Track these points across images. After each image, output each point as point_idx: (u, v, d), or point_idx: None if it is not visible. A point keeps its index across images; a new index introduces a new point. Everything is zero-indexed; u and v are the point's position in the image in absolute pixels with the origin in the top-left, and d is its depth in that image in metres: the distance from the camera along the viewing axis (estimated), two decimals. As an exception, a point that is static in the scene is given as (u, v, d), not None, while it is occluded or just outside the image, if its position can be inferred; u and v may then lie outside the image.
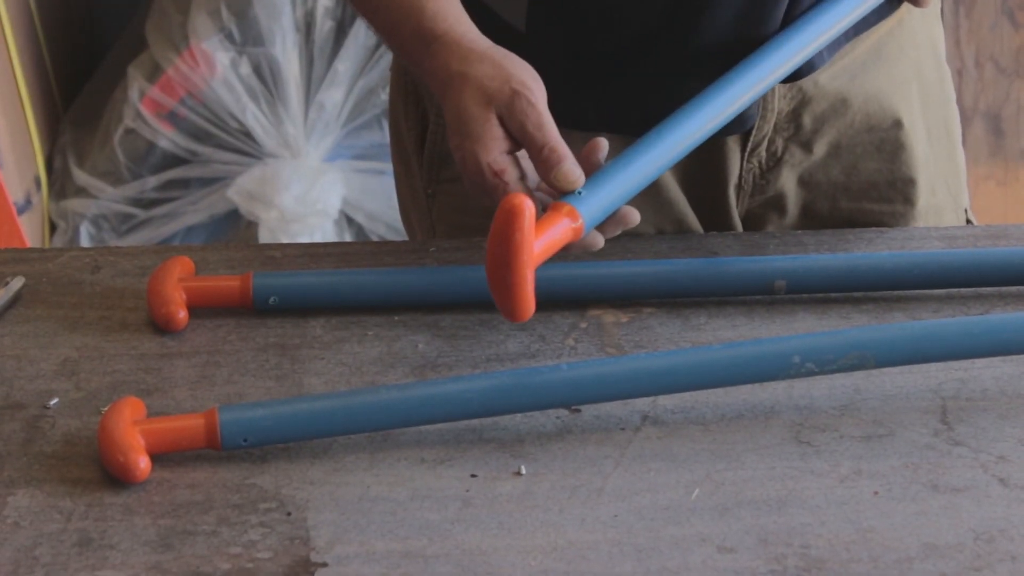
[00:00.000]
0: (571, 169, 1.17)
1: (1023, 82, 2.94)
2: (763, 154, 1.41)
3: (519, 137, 1.18)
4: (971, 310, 1.29)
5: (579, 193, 1.16)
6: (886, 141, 1.43)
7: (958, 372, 1.21)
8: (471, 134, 1.18)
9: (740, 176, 1.42)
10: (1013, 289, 1.32)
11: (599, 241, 1.21)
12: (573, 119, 1.33)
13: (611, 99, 1.36)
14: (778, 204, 1.44)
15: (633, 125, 1.35)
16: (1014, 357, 1.21)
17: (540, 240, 1.12)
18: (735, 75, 1.28)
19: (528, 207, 1.08)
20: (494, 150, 1.18)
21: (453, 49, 1.20)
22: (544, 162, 1.17)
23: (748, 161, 1.41)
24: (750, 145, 1.40)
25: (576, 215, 1.15)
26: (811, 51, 1.33)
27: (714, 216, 1.43)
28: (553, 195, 1.20)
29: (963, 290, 1.31)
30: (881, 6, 1.39)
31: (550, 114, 1.18)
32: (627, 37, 1.34)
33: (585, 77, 1.33)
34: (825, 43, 1.34)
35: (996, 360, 1.21)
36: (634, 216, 1.21)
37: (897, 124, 1.43)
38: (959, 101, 1.54)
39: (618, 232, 1.22)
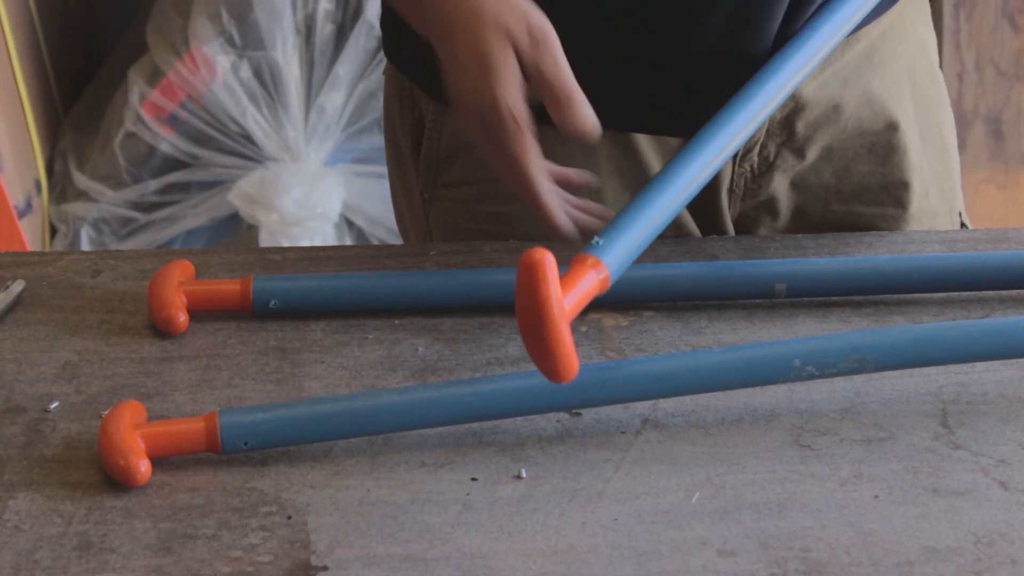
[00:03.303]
0: (584, 114, 1.12)
1: (1023, 85, 2.94)
2: (755, 159, 1.41)
3: (536, 78, 1.13)
4: (972, 314, 1.29)
5: (597, 243, 1.13)
6: (877, 144, 1.43)
7: (958, 376, 1.21)
8: (492, 73, 1.12)
9: (732, 180, 1.42)
10: (1014, 293, 1.32)
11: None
12: None
13: (596, 94, 1.35)
14: (770, 207, 1.44)
15: (621, 119, 1.34)
16: (1015, 361, 1.21)
17: (570, 295, 1.08)
18: (741, 100, 1.25)
19: (550, 260, 1.03)
20: (514, 92, 1.12)
21: None
22: (560, 108, 1.13)
23: (740, 166, 1.41)
24: (741, 150, 1.40)
25: (601, 265, 1.12)
26: (816, 63, 1.32)
27: (707, 220, 1.43)
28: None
29: (963, 294, 1.31)
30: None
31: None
32: (607, 32, 1.33)
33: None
34: (827, 53, 1.33)
35: (997, 364, 1.21)
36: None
37: (890, 127, 1.43)
38: (959, 105, 1.54)
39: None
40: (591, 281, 1.11)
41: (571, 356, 1.05)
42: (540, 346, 1.04)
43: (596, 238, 1.14)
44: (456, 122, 1.41)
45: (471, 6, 1.13)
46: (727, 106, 1.25)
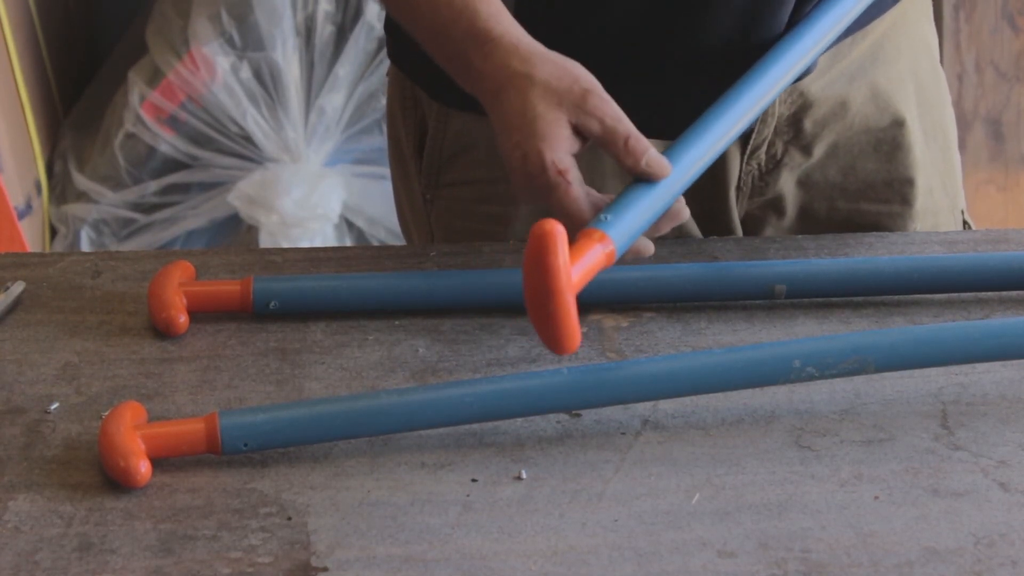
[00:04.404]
0: (657, 155, 1.17)
1: (1023, 87, 2.94)
2: (762, 157, 1.42)
3: (598, 133, 1.17)
4: (972, 314, 1.29)
5: (605, 218, 1.15)
6: (883, 141, 1.44)
7: (958, 376, 1.21)
8: (537, 132, 1.16)
9: (739, 178, 1.42)
10: (1014, 293, 1.32)
11: (649, 247, 1.21)
12: None
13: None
14: (777, 205, 1.44)
15: (637, 127, 1.35)
16: (1014, 362, 1.21)
17: (577, 267, 1.10)
18: (745, 84, 1.27)
19: (560, 231, 1.06)
20: (560, 148, 1.17)
21: (512, 51, 1.19)
22: (631, 153, 1.17)
23: (747, 164, 1.41)
24: (749, 148, 1.41)
25: (607, 240, 1.14)
26: (818, 51, 1.33)
27: (715, 218, 1.44)
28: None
29: (963, 295, 1.31)
30: (874, 4, 1.39)
31: None
32: (623, 40, 1.34)
33: None
34: (829, 43, 1.34)
35: (996, 364, 1.21)
36: (683, 214, 1.22)
37: (895, 124, 1.43)
38: (959, 106, 1.54)
39: (667, 229, 1.23)
40: (597, 254, 1.13)
41: (574, 327, 1.08)
42: (545, 316, 1.07)
43: (602, 213, 1.16)
44: (460, 125, 1.42)
45: (520, 70, 1.18)
46: (734, 87, 1.27)
